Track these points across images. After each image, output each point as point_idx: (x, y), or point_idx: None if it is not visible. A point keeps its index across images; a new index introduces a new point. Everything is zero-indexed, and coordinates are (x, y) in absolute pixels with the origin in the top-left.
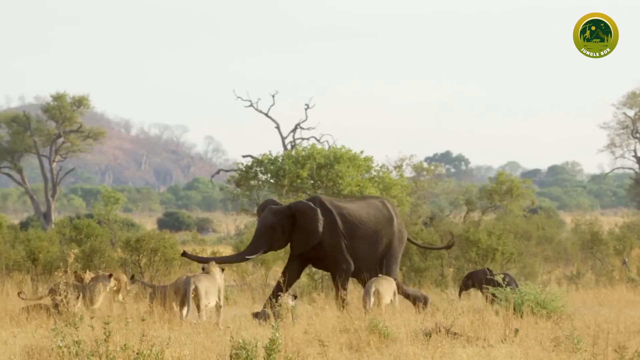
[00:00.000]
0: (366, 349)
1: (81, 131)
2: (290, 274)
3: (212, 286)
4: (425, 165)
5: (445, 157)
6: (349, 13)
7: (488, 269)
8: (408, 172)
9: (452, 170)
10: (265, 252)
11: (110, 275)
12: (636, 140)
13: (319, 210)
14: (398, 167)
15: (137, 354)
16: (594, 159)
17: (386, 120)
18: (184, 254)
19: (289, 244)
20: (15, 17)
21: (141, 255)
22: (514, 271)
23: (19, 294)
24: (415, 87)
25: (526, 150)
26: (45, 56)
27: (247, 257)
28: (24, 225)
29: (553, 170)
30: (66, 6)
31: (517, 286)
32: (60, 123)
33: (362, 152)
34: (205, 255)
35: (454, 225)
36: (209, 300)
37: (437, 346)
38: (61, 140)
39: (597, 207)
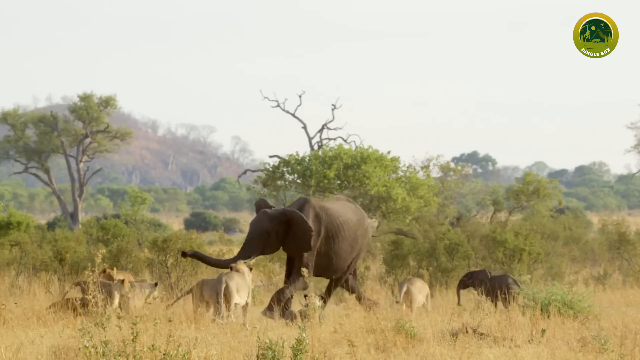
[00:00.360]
0: (393, 349)
1: (108, 131)
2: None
3: (244, 284)
4: (452, 165)
5: (472, 158)
6: (374, 13)
7: (488, 270)
8: (435, 173)
9: (479, 170)
10: (256, 256)
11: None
12: None
13: (310, 224)
14: (425, 168)
15: (164, 354)
16: (621, 159)
17: (413, 121)
18: (184, 255)
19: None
20: (43, 17)
21: (168, 256)
22: (541, 271)
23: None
24: (443, 88)
25: (553, 150)
26: (72, 56)
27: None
28: (51, 226)
29: (580, 170)
30: (94, 6)
31: (518, 287)
32: (87, 123)
33: (389, 152)
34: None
35: (480, 226)
36: (240, 298)
37: (464, 347)
38: (88, 140)
39: (624, 207)
